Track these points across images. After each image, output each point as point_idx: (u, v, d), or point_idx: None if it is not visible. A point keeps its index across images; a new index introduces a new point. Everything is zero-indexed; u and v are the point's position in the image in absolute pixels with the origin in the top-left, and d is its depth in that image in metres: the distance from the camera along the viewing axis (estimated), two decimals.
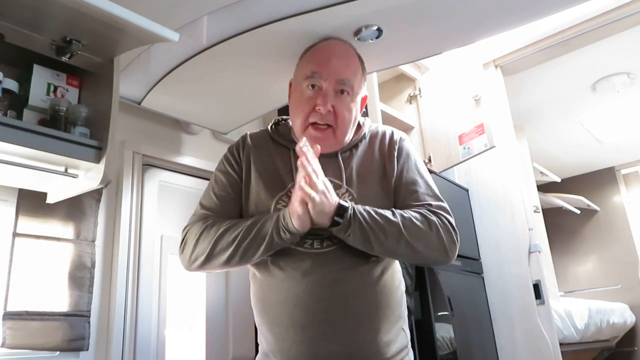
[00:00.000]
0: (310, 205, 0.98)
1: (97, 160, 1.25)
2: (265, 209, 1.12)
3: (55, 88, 1.34)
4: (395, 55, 1.44)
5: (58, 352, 1.46)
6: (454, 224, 1.11)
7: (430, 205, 1.11)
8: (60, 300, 1.48)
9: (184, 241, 1.16)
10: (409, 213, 1.07)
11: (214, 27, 1.29)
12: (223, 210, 1.17)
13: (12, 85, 1.24)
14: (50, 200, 1.44)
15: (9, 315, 1.36)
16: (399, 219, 1.04)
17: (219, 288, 1.98)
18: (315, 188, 0.97)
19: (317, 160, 1.01)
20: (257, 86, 1.57)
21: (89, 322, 1.52)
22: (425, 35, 1.34)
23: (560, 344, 2.27)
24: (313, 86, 1.14)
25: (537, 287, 2.28)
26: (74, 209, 1.57)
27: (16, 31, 1.18)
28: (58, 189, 1.41)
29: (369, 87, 1.84)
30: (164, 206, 1.89)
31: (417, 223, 1.05)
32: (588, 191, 4.51)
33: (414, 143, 1.39)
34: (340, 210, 1.00)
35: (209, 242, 1.09)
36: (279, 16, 1.21)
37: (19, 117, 1.25)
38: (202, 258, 1.10)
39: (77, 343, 1.48)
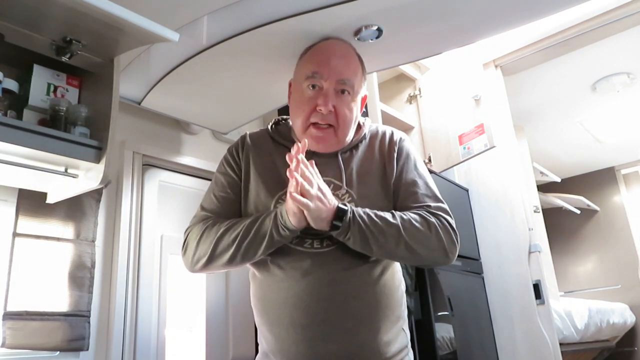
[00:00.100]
0: (306, 213, 0.98)
1: (97, 160, 1.25)
2: (265, 208, 1.12)
3: (55, 88, 1.34)
4: (395, 55, 1.44)
5: (58, 352, 1.46)
6: (453, 225, 1.11)
7: (429, 206, 1.11)
8: (60, 300, 1.48)
9: (185, 243, 1.16)
10: (408, 215, 1.07)
11: (214, 27, 1.29)
12: (223, 211, 1.17)
13: (12, 85, 1.24)
14: (50, 200, 1.44)
15: (9, 315, 1.36)
16: (398, 221, 1.04)
17: (219, 288, 1.98)
18: (308, 195, 0.97)
19: (311, 166, 1.01)
20: (257, 86, 1.57)
21: (89, 322, 1.52)
22: (425, 35, 1.34)
23: (560, 344, 2.27)
24: (314, 86, 1.14)
25: (537, 287, 2.28)
26: (74, 209, 1.57)
27: (16, 31, 1.18)
28: (58, 189, 1.41)
29: (369, 87, 1.84)
30: (164, 206, 1.89)
31: (417, 225, 1.05)
32: (588, 191, 4.51)
33: (414, 143, 1.39)
34: (340, 213, 1.00)
35: (210, 243, 1.09)
36: (279, 16, 1.21)
37: (19, 117, 1.25)
38: (204, 259, 1.10)
39: (77, 343, 1.48)
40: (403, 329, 1.13)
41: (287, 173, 0.98)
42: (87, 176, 1.30)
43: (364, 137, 1.22)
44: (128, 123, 1.82)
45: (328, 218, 0.99)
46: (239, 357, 1.92)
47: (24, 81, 1.30)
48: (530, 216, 2.43)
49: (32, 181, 1.39)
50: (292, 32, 1.24)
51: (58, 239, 1.52)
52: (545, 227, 3.72)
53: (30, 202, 1.47)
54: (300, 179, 0.97)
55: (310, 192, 0.97)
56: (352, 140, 1.20)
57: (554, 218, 4.37)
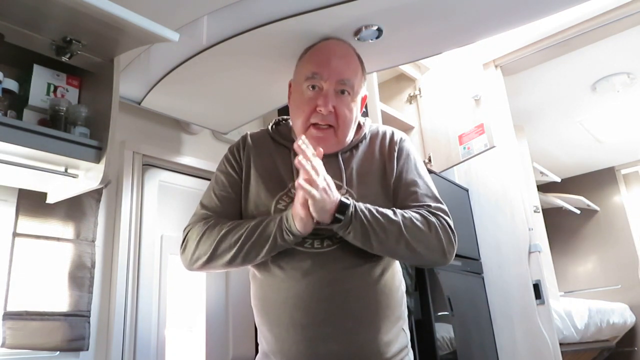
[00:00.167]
0: (310, 202, 0.97)
1: (97, 160, 1.25)
2: (265, 208, 1.12)
3: (55, 88, 1.34)
4: (395, 55, 1.44)
5: (58, 352, 1.46)
6: (452, 226, 1.11)
7: (429, 206, 1.11)
8: (60, 300, 1.48)
9: (185, 241, 1.16)
10: (409, 213, 1.07)
11: (214, 27, 1.29)
12: (223, 210, 1.17)
13: (12, 85, 1.24)
14: (50, 200, 1.44)
15: (9, 315, 1.36)
16: (399, 219, 1.04)
17: (219, 288, 1.98)
18: (315, 185, 0.97)
19: (317, 158, 1.01)
20: (257, 86, 1.57)
21: (89, 322, 1.52)
22: (425, 35, 1.34)
23: (560, 344, 2.27)
24: (313, 87, 1.14)
25: (537, 287, 2.28)
26: (74, 209, 1.57)
27: (16, 31, 1.18)
28: (58, 189, 1.41)
29: (369, 87, 1.84)
30: (164, 206, 1.89)
31: (418, 223, 1.05)
32: (588, 191, 4.51)
33: (414, 143, 1.39)
34: (342, 207, 1.00)
35: (211, 243, 1.09)
36: (279, 16, 1.21)
37: (19, 117, 1.25)
38: (204, 258, 1.10)
39: (77, 343, 1.48)
40: (403, 329, 1.13)
41: (296, 162, 0.98)
42: (87, 176, 1.30)
43: (364, 137, 1.22)
44: (128, 123, 1.82)
45: (331, 210, 0.99)
46: (239, 357, 1.92)
47: (24, 81, 1.30)
48: (530, 216, 2.43)
49: (32, 181, 1.39)
50: (292, 32, 1.24)
51: (58, 239, 1.52)
52: (545, 227, 3.72)
53: (30, 202, 1.47)
54: (308, 167, 0.97)
55: (317, 181, 0.97)
56: (352, 140, 1.20)
57: (554, 218, 4.38)
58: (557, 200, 4.32)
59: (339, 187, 1.11)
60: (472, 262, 2.35)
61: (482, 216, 2.51)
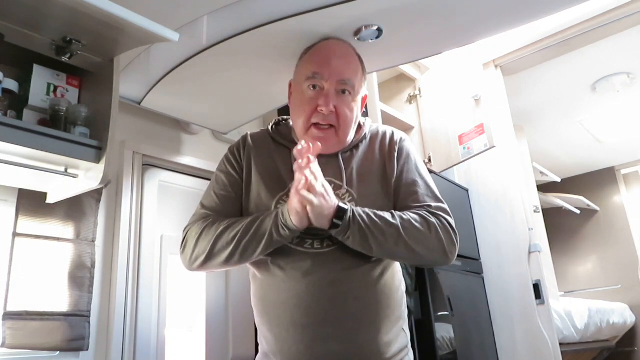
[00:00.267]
0: (309, 209, 0.98)
1: (97, 160, 1.25)
2: (265, 209, 1.12)
3: (55, 88, 1.34)
4: (395, 55, 1.44)
5: (58, 352, 1.46)
6: (453, 225, 1.11)
7: (429, 206, 1.11)
8: (60, 300, 1.48)
9: (184, 241, 1.16)
10: (408, 215, 1.07)
11: (214, 27, 1.29)
12: (223, 210, 1.17)
13: (12, 85, 1.24)
14: (50, 200, 1.44)
15: (9, 315, 1.36)
16: (398, 221, 1.04)
17: (219, 288, 1.98)
18: (313, 191, 0.97)
19: (316, 163, 1.01)
20: (257, 86, 1.57)
21: (89, 322, 1.52)
22: (425, 35, 1.34)
23: (560, 344, 2.27)
24: (314, 87, 1.14)
25: (537, 287, 2.28)
26: (74, 209, 1.57)
27: (16, 31, 1.18)
28: (58, 189, 1.41)
29: (369, 87, 1.83)
30: (164, 206, 1.89)
31: (417, 225, 1.05)
32: (588, 191, 4.51)
33: (414, 143, 1.39)
34: (340, 212, 1.00)
35: (208, 241, 1.09)
36: (279, 16, 1.21)
37: (19, 117, 1.25)
38: (202, 257, 1.10)
39: (77, 343, 1.48)
40: (403, 329, 1.13)
41: (295, 168, 0.98)
42: (87, 176, 1.30)
43: (365, 137, 1.23)
44: (128, 123, 1.82)
45: (329, 216, 0.99)
46: (239, 357, 1.92)
47: (24, 81, 1.30)
48: (530, 216, 2.43)
49: (32, 181, 1.39)
50: (292, 32, 1.24)
51: (58, 239, 1.52)
52: (545, 227, 3.72)
53: (30, 202, 1.47)
54: (309, 176, 0.97)
55: (316, 187, 0.97)
56: (352, 140, 1.20)
57: (554, 218, 4.38)
58: (557, 200, 4.32)
59: (339, 187, 1.11)
60: (472, 262, 2.35)
61: (482, 216, 2.51)
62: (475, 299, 2.31)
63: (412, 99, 2.58)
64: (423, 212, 1.09)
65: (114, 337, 1.58)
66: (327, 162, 1.14)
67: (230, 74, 1.51)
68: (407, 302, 1.20)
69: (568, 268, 4.51)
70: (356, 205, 1.06)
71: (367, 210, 1.04)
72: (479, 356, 2.16)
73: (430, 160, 2.39)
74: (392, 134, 1.24)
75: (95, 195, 1.63)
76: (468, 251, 2.34)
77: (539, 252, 2.35)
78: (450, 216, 1.12)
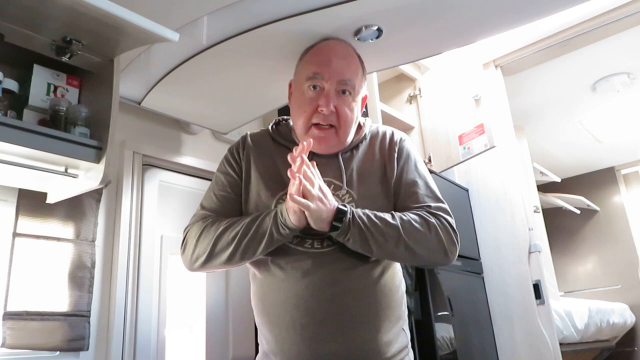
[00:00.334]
0: (307, 214, 0.98)
1: (97, 160, 1.25)
2: (265, 208, 1.12)
3: (55, 88, 1.34)
4: (395, 55, 1.44)
5: (58, 352, 1.46)
6: (454, 225, 1.11)
7: (429, 206, 1.11)
8: (60, 300, 1.48)
9: (184, 242, 1.16)
10: (408, 216, 1.07)
11: (214, 27, 1.29)
12: (223, 210, 1.17)
13: (12, 85, 1.24)
14: (50, 200, 1.44)
15: (9, 315, 1.36)
16: (398, 222, 1.04)
17: (219, 288, 1.98)
18: (310, 196, 0.97)
19: (312, 166, 1.01)
20: (257, 86, 1.57)
21: (89, 322, 1.52)
22: (425, 35, 1.34)
23: (560, 344, 2.27)
24: (315, 87, 1.14)
25: (537, 287, 2.28)
26: (74, 209, 1.57)
27: (16, 31, 1.18)
28: (58, 189, 1.41)
29: (369, 87, 1.84)
30: (164, 206, 1.89)
31: (416, 225, 1.05)
32: (588, 191, 4.51)
33: (414, 143, 1.39)
34: (339, 214, 1.00)
35: (209, 242, 1.09)
36: (279, 16, 1.21)
37: (19, 117, 1.25)
38: (203, 257, 1.10)
39: (77, 343, 1.48)
40: (403, 329, 1.13)
41: (289, 173, 0.99)
42: (87, 176, 1.30)
43: (365, 137, 1.23)
44: (128, 123, 1.82)
45: (328, 219, 1.00)
46: (239, 357, 1.92)
47: (24, 81, 1.29)
48: (530, 216, 2.43)
49: (32, 181, 1.39)
50: (292, 32, 1.24)
51: (58, 239, 1.52)
52: (545, 227, 3.72)
53: (30, 202, 1.47)
54: (303, 180, 0.97)
55: (311, 192, 0.98)
56: (352, 140, 1.20)
57: (554, 218, 4.37)
58: (557, 200, 4.32)
59: (339, 188, 1.11)
60: (472, 262, 2.35)
61: (482, 216, 2.51)
62: (475, 299, 2.31)
63: (412, 99, 2.58)
64: (423, 213, 1.09)
65: (114, 337, 1.58)
66: (327, 162, 1.14)
67: (230, 74, 1.51)
68: (407, 302, 1.20)
69: (568, 268, 4.51)
70: (356, 206, 1.06)
71: (367, 211, 1.04)
72: (479, 356, 2.16)
73: (430, 160, 2.39)
74: (392, 134, 1.24)
75: (95, 195, 1.63)
76: (468, 251, 2.34)
77: (539, 252, 2.35)
78: (450, 216, 1.12)
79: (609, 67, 2.92)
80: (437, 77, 2.50)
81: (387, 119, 2.30)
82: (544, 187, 4.50)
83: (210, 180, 1.26)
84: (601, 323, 3.25)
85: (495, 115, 2.41)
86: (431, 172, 2.17)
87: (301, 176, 0.98)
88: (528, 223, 2.39)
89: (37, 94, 1.30)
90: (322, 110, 1.11)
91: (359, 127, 1.24)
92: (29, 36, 1.21)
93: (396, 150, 1.19)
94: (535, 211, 3.17)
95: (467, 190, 2.57)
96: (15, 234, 1.44)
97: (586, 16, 2.24)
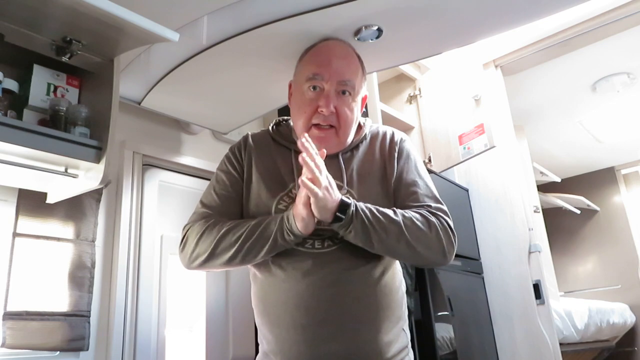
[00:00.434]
0: (312, 201, 0.98)
1: (97, 160, 1.25)
2: (266, 209, 1.12)
3: (55, 88, 1.34)
4: (395, 55, 1.44)
5: (58, 352, 1.46)
6: (452, 226, 1.11)
7: (429, 206, 1.11)
8: (60, 300, 1.48)
9: (184, 239, 1.16)
10: (410, 213, 1.07)
11: (214, 27, 1.29)
12: (223, 209, 1.17)
13: (12, 85, 1.24)
14: (50, 200, 1.44)
15: (9, 315, 1.36)
16: (400, 218, 1.04)
17: (219, 288, 1.98)
18: (318, 183, 0.97)
19: (320, 157, 1.01)
20: (257, 86, 1.57)
21: (89, 322, 1.52)
22: (425, 35, 1.34)
23: (560, 344, 2.27)
24: (315, 87, 1.14)
25: (537, 287, 2.28)
26: (74, 209, 1.57)
27: (16, 31, 1.18)
28: (58, 189, 1.41)
29: (369, 87, 1.84)
30: (164, 206, 1.89)
31: (418, 223, 1.05)
32: (588, 191, 4.51)
33: (414, 143, 1.40)
34: (343, 206, 1.00)
35: (211, 242, 1.09)
36: (279, 16, 1.21)
37: (19, 117, 1.25)
38: (203, 257, 1.10)
39: (77, 343, 1.48)
40: (403, 329, 1.13)
41: (300, 160, 0.98)
42: (87, 176, 1.30)
43: (365, 137, 1.23)
44: (128, 123, 1.82)
45: (332, 209, 0.99)
46: (239, 357, 1.92)
47: (24, 81, 1.30)
48: (530, 216, 2.43)
49: (32, 181, 1.39)
50: (292, 32, 1.24)
51: (58, 239, 1.52)
52: (545, 227, 3.72)
53: (30, 202, 1.47)
54: (312, 166, 0.97)
55: (320, 179, 0.97)
56: (352, 140, 1.20)
57: (554, 218, 4.37)
58: (557, 200, 4.32)
59: (339, 188, 1.11)
60: (472, 262, 2.35)
61: (482, 216, 2.51)
62: (475, 299, 2.31)
63: (412, 99, 2.58)
64: (424, 212, 1.09)
65: (114, 337, 1.58)
66: (328, 162, 1.13)
67: (230, 74, 1.51)
68: (407, 302, 1.20)
69: (568, 268, 4.51)
70: None
71: (369, 205, 1.04)
72: (479, 356, 2.16)
73: (430, 160, 2.39)
74: (392, 134, 1.24)
75: (95, 195, 1.63)
76: (468, 251, 2.34)
77: (539, 252, 2.35)
78: (449, 217, 1.12)
79: (609, 67, 2.92)
80: (437, 77, 2.50)
81: (387, 119, 2.30)
82: (544, 187, 4.50)
83: (210, 180, 1.26)
84: (601, 323, 3.25)
85: (495, 115, 2.41)
86: (431, 172, 2.17)
87: (312, 163, 0.97)
88: (528, 223, 2.39)
89: (37, 94, 1.30)
90: (322, 111, 1.11)
91: (359, 127, 1.24)
92: (29, 36, 1.21)
93: (396, 150, 1.19)
94: (535, 211, 3.18)
95: (467, 190, 2.57)
96: (15, 234, 1.44)
97: (586, 16, 2.24)
